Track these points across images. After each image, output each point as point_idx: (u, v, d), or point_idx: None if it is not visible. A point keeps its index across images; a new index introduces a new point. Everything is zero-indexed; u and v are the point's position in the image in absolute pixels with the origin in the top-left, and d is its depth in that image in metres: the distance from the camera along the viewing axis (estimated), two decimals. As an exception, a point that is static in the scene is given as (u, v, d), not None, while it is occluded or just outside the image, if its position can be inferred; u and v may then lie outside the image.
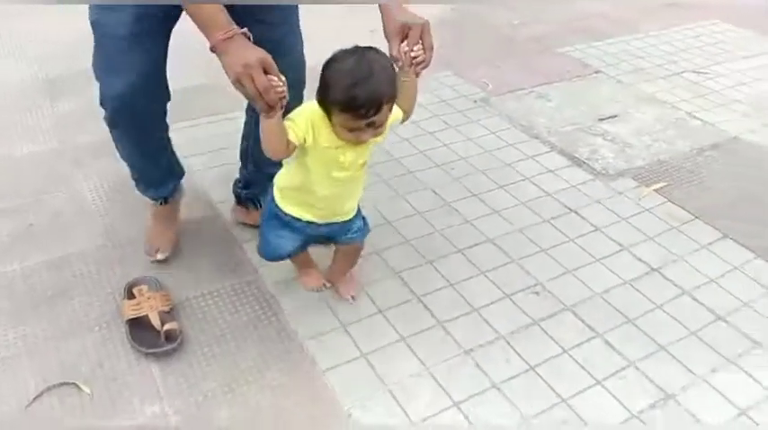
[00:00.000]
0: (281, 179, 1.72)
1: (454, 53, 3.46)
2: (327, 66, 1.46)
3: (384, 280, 2.03)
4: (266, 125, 1.45)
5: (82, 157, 2.54)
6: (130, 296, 1.86)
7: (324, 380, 1.71)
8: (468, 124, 2.91)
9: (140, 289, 1.87)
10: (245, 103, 1.49)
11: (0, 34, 3.56)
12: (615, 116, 3.03)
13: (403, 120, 1.65)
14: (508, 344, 1.83)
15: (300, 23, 1.88)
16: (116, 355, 1.75)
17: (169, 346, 1.74)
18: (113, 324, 1.83)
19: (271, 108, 1.41)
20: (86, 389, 1.65)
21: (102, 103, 1.73)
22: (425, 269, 2.08)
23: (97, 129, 1.90)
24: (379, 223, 2.24)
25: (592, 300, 2.00)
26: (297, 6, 1.85)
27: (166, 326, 1.76)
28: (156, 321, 1.78)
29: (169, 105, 1.83)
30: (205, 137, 2.70)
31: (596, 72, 3.47)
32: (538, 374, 1.75)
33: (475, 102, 3.11)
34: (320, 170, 1.59)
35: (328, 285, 1.98)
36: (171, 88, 1.80)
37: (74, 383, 1.66)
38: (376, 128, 1.49)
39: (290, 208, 1.71)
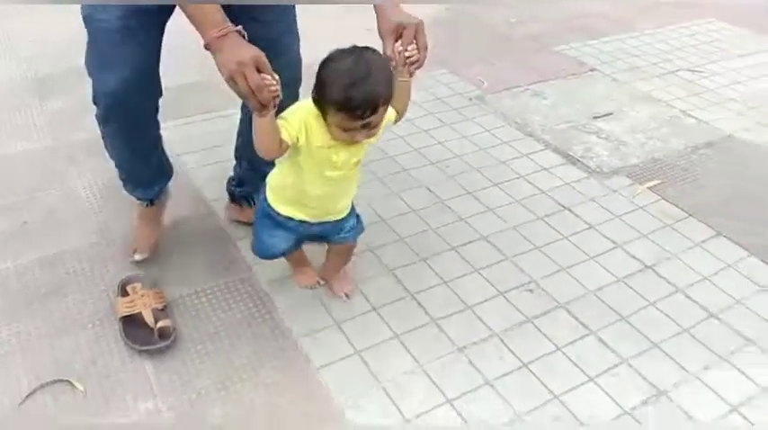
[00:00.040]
0: (273, 178, 1.71)
1: (450, 51, 3.46)
2: (324, 65, 1.45)
3: (378, 277, 2.03)
4: (259, 124, 1.44)
5: (76, 155, 2.54)
6: (124, 293, 1.86)
7: (318, 377, 1.71)
8: (463, 122, 2.92)
9: (134, 286, 1.87)
10: (239, 100, 1.50)
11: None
12: (610, 114, 3.03)
13: (396, 121, 1.65)
14: (501, 341, 1.84)
15: (297, 21, 1.88)
16: (109, 353, 1.75)
17: (162, 344, 1.74)
18: (107, 321, 1.83)
19: (263, 107, 1.40)
20: (80, 387, 1.65)
21: (95, 100, 1.73)
22: (419, 266, 2.09)
23: (91, 127, 1.89)
24: (374, 221, 2.24)
25: (585, 297, 2.00)
26: (293, 4, 1.85)
27: (160, 324, 1.77)
28: (149, 318, 1.78)
29: (161, 102, 1.82)
30: (199, 134, 2.71)
31: (591, 70, 3.47)
32: (531, 371, 1.75)
33: (470, 99, 3.12)
34: (313, 169, 1.59)
35: (322, 283, 1.98)
36: (165, 85, 1.80)
37: (67, 381, 1.66)
38: (371, 128, 1.49)
39: (282, 207, 1.71)
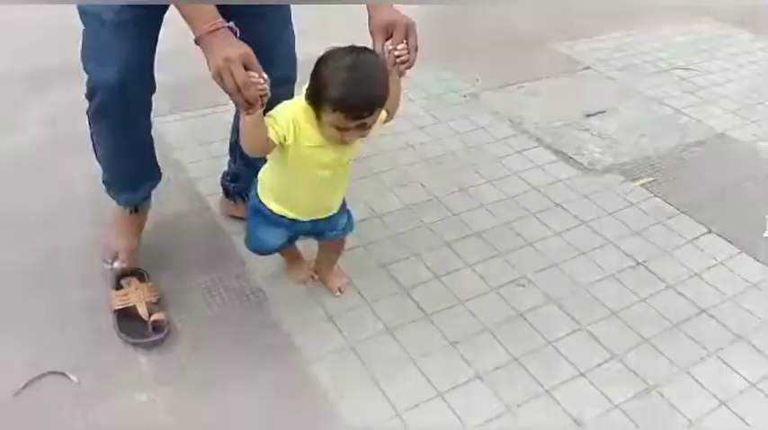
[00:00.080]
0: (264, 175, 1.71)
1: (444, 48, 3.46)
2: (322, 63, 1.44)
3: (371, 272, 2.05)
4: (246, 122, 1.43)
5: (73, 147, 2.53)
6: (118, 286, 1.87)
7: (310, 370, 1.72)
8: (458, 119, 2.93)
9: (128, 280, 1.88)
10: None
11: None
12: (603, 112, 3.05)
13: (386, 121, 1.63)
14: (493, 336, 1.85)
15: (292, 18, 1.87)
16: (103, 345, 1.76)
17: (156, 337, 1.75)
18: (101, 314, 1.84)
19: (250, 105, 1.39)
20: (74, 378, 1.66)
21: (89, 94, 1.71)
22: (412, 262, 2.10)
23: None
24: (368, 216, 2.26)
25: (577, 292, 2.02)
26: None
27: (154, 317, 1.78)
28: (143, 312, 1.79)
29: (157, 97, 1.82)
30: (194, 129, 2.71)
31: (585, 68, 3.49)
32: (522, 365, 1.77)
33: (464, 97, 3.13)
34: (302, 168, 1.58)
35: (316, 277, 1.99)
36: (161, 81, 1.79)
37: (62, 372, 1.67)
38: (365, 129, 1.49)
39: (273, 204, 1.70)
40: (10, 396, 1.61)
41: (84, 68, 1.70)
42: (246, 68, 1.37)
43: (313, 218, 1.74)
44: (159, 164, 1.99)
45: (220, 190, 2.24)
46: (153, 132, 1.91)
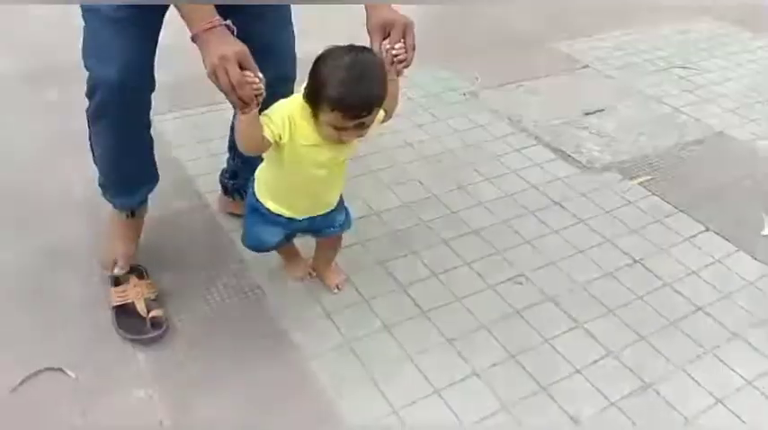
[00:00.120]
0: (260, 172, 1.71)
1: (443, 47, 3.46)
2: (321, 62, 1.43)
3: (369, 269, 2.05)
4: (241, 120, 1.43)
5: (72, 146, 2.53)
6: (116, 283, 1.87)
7: (308, 367, 1.73)
8: (457, 117, 2.93)
9: (127, 276, 1.88)
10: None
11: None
12: (602, 110, 3.05)
13: (383, 121, 1.63)
14: (490, 333, 1.86)
15: (292, 17, 1.87)
16: (102, 341, 1.76)
17: (155, 333, 1.76)
18: (100, 311, 1.84)
19: (245, 104, 1.39)
20: (72, 374, 1.66)
21: (90, 92, 1.70)
22: (410, 259, 2.10)
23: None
24: (366, 214, 2.26)
25: (574, 290, 2.02)
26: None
27: (152, 313, 1.78)
28: (141, 308, 1.79)
29: (157, 94, 1.82)
30: (193, 127, 2.71)
31: (584, 67, 3.49)
32: (519, 363, 1.77)
33: (463, 95, 3.13)
34: (297, 167, 1.58)
35: (314, 274, 1.99)
36: (160, 79, 1.79)
37: (59, 368, 1.68)
38: (363, 128, 1.49)
39: (269, 203, 1.70)
40: (7, 392, 1.62)
41: (85, 65, 1.69)
42: (242, 67, 1.37)
43: (310, 216, 1.74)
44: (158, 162, 1.99)
45: (219, 187, 2.25)
46: (152, 130, 1.91)
